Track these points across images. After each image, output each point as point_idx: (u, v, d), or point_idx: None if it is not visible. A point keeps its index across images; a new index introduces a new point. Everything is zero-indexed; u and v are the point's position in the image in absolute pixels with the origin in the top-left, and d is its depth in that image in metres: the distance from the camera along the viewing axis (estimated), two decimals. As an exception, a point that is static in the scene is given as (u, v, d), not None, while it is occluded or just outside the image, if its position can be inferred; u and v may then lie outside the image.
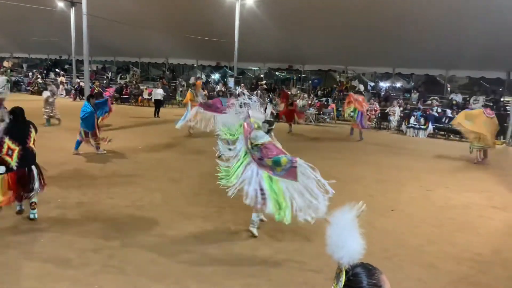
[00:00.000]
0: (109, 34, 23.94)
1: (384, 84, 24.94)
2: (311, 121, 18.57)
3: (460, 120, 11.18)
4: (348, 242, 1.47)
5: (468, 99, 19.42)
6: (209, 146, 9.61)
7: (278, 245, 5.08)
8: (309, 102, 19.74)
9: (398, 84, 24.59)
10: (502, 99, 18.76)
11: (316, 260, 4.58)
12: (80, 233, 5.04)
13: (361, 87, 22.71)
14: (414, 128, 16.32)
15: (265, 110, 12.60)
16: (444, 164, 10.65)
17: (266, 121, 5.44)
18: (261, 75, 27.51)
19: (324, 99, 21.66)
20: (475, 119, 10.83)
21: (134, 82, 25.01)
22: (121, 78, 27.89)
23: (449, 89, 22.04)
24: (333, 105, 19.99)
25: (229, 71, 26.48)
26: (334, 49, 20.74)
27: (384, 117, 17.96)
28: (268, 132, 5.26)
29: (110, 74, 29.25)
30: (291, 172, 4.62)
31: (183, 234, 5.24)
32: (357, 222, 1.50)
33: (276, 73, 29.25)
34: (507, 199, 7.54)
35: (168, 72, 28.40)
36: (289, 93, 17.00)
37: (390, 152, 12.09)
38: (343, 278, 1.43)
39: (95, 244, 4.74)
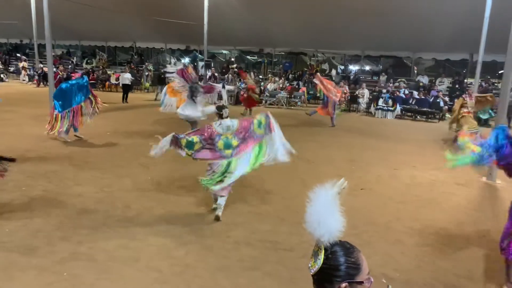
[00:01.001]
0: (73, 17, 22.95)
1: (353, 67, 25.25)
2: (282, 105, 18.64)
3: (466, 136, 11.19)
4: (328, 219, 1.45)
5: (434, 80, 19.97)
6: (180, 131, 9.53)
7: (251, 226, 5.11)
8: (280, 85, 19.81)
9: (367, 67, 24.96)
10: (465, 80, 19.37)
11: (289, 239, 4.65)
12: (47, 221, 4.90)
13: (333, 72, 22.92)
14: (382, 109, 16.68)
15: (220, 97, 12.47)
16: (411, 144, 10.97)
17: (217, 107, 5.42)
18: (232, 59, 27.27)
19: (295, 82, 21.74)
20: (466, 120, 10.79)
21: (101, 67, 24.28)
22: (87, 63, 26.97)
23: (416, 71, 22.55)
24: (304, 89, 20.10)
25: (199, 55, 26.05)
26: (304, 32, 20.73)
27: (353, 99, 18.24)
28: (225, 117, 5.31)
29: (75, 59, 28.22)
30: (270, 125, 5.13)
31: (154, 218, 5.19)
32: (338, 199, 1.49)
33: (248, 56, 29.06)
34: (469, 176, 7.86)
35: (136, 56, 27.67)
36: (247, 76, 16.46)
37: (360, 134, 12.32)
38: (321, 256, 1.42)
39: (63, 232, 4.63)
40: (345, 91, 17.27)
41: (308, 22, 19.64)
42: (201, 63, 22.75)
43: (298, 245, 4.49)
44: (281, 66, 25.71)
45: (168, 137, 4.96)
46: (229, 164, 5.10)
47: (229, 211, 5.43)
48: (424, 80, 20.07)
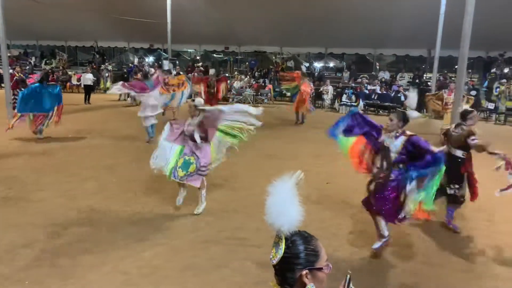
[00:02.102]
0: (30, 15, 22.01)
1: (317, 64, 25.66)
2: (249, 102, 18.69)
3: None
4: (288, 210, 1.50)
5: (394, 76, 20.60)
6: (143, 131, 9.41)
7: (220, 224, 5.12)
8: (247, 83, 19.85)
9: (331, 64, 25.44)
10: (424, 75, 20.11)
11: (257, 235, 4.70)
12: (8, 229, 4.72)
13: (303, 69, 23.18)
14: (346, 105, 17.05)
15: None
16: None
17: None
18: (197, 57, 27.04)
19: (261, 80, 21.85)
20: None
21: (61, 68, 23.45)
22: (46, 64, 25.95)
23: (377, 67, 23.19)
24: (270, 86, 20.23)
25: (164, 54, 25.66)
26: (269, 30, 20.88)
27: (318, 96, 18.55)
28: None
29: (33, 60, 27.09)
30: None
31: (120, 221, 5.11)
32: (296, 191, 1.54)
33: (213, 55, 28.92)
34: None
35: (97, 56, 26.89)
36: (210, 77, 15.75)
37: (325, 129, 12.52)
38: (282, 246, 1.47)
39: (25, 239, 4.48)
40: (310, 88, 17.52)
41: (273, 20, 19.79)
42: (166, 62, 22.43)
43: (266, 241, 4.51)
44: (247, 64, 25.76)
45: None
46: (181, 150, 5.22)
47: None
48: (386, 75, 20.66)
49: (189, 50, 28.54)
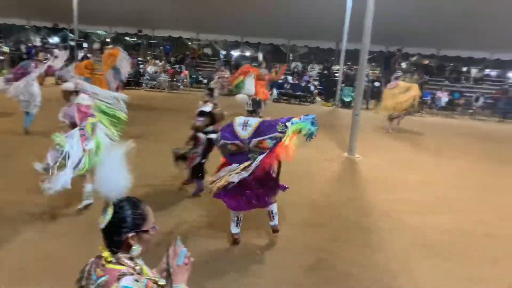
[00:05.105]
0: None
1: (234, 53, 25.81)
2: (164, 88, 18.22)
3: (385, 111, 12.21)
4: (116, 177, 1.59)
5: (306, 67, 21.56)
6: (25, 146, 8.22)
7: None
8: (162, 68, 19.28)
9: (248, 53, 25.76)
10: (333, 66, 21.36)
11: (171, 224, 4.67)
12: None
13: (221, 56, 23.06)
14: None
15: None
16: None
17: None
18: (108, 40, 25.52)
19: (177, 66, 21.38)
20: (390, 100, 11.88)
21: None
22: None
23: (291, 57, 24.05)
24: (186, 72, 19.91)
25: (71, 35, 23.77)
26: (185, 15, 20.46)
27: (235, 84, 18.69)
28: None
29: None
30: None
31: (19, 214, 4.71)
32: (125, 159, 1.64)
33: (126, 38, 27.52)
34: (335, 152, 8.80)
35: (-10, 34, 24.01)
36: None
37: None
38: (110, 212, 1.55)
39: None
40: (226, 76, 17.59)
41: (189, 5, 19.42)
42: (72, 43, 20.86)
43: (180, 230, 4.56)
44: (161, 48, 24.99)
45: None
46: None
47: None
48: (298, 66, 21.54)
49: (99, 32, 26.80)
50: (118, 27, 24.15)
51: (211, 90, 5.73)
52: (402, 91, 11.89)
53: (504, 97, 18.23)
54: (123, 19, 21.80)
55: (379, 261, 4.21)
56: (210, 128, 5.30)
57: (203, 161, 5.40)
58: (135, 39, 27.30)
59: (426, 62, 23.72)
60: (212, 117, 5.31)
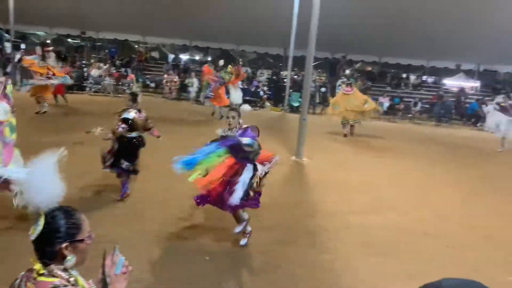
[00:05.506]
0: None
1: (183, 56, 25.53)
2: (109, 93, 17.59)
3: (331, 111, 12.71)
4: (48, 186, 1.53)
5: (255, 72, 21.77)
6: None
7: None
8: (107, 72, 18.62)
9: (197, 57, 25.57)
10: (281, 72, 21.74)
11: (113, 230, 4.50)
12: None
13: (169, 59, 22.70)
14: (210, 98, 17.35)
15: None
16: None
17: None
18: (48, 41, 24.23)
19: (123, 69, 20.73)
20: (341, 102, 12.27)
21: None
22: None
23: (241, 62, 24.17)
24: (133, 76, 19.34)
25: (6, 35, 22.30)
26: (131, 18, 19.95)
27: (183, 88, 18.50)
28: None
29: None
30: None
31: None
32: (57, 167, 1.58)
33: (68, 39, 26.30)
34: (284, 156, 8.91)
35: None
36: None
37: (187, 121, 12.65)
38: (41, 222, 1.48)
39: None
40: (174, 80, 17.40)
41: (136, 8, 18.97)
42: (8, 44, 19.58)
43: (125, 237, 4.41)
44: (107, 51, 24.15)
45: None
46: None
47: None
48: (248, 71, 21.69)
49: (38, 33, 25.39)
50: (59, 28, 23.04)
51: (134, 96, 5.59)
52: (358, 100, 12.37)
53: (440, 102, 19.49)
54: (65, 19, 20.87)
55: (324, 261, 4.32)
56: (134, 133, 5.38)
57: (130, 165, 5.37)
58: (78, 41, 26.20)
59: (369, 68, 24.88)
60: (134, 124, 5.31)
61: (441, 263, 4.48)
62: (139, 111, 5.46)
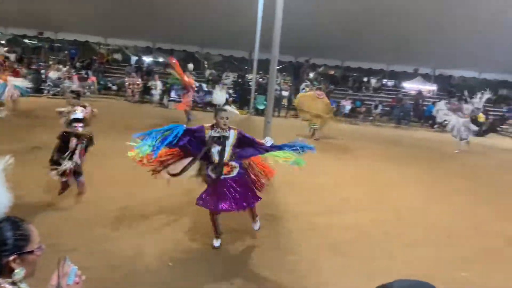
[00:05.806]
0: None
1: (146, 59, 25.11)
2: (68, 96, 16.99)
3: (299, 102, 12.76)
4: None
5: (221, 75, 21.73)
6: None
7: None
8: (66, 74, 17.99)
9: (161, 59, 25.22)
10: (246, 75, 21.82)
11: (75, 239, 4.36)
12: None
13: (132, 61, 22.24)
14: (175, 101, 17.19)
15: None
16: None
17: None
18: (2, 42, 23.19)
19: (83, 71, 20.11)
20: (310, 101, 12.30)
21: None
22: None
23: (206, 65, 24.07)
24: (94, 78, 18.81)
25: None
26: (92, 18, 19.40)
27: (146, 91, 18.20)
28: None
29: None
30: None
31: None
32: (4, 176, 1.52)
33: (25, 40, 25.23)
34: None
35: None
36: None
37: (152, 124, 12.38)
38: None
39: None
40: (137, 83, 17.08)
41: (97, 9, 18.47)
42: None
43: (83, 244, 4.28)
44: (66, 52, 23.37)
45: None
46: None
47: None
48: (213, 74, 21.63)
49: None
50: (15, 28, 22.06)
51: (77, 94, 5.78)
52: (325, 106, 12.57)
53: (399, 105, 20.21)
54: (21, 19, 20.00)
55: (289, 262, 4.36)
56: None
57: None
58: (36, 42, 25.20)
59: (332, 72, 25.44)
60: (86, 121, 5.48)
61: (402, 262, 4.63)
62: (84, 107, 5.53)
